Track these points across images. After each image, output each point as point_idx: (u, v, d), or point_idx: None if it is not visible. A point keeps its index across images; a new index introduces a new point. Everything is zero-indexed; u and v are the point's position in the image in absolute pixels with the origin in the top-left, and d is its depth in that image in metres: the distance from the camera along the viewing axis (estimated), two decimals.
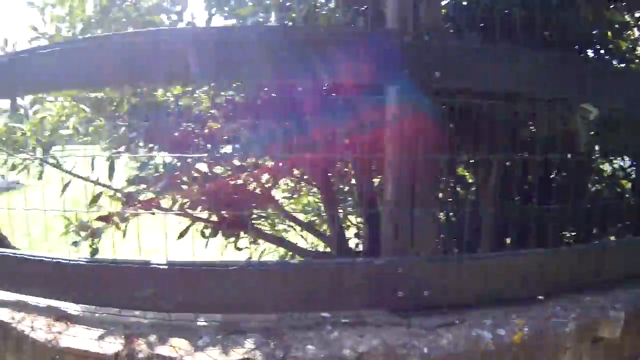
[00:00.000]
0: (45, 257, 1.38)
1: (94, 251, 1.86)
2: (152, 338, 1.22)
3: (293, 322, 1.24)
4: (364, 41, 1.19)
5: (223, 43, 1.18)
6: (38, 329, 1.28)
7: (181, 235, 1.92)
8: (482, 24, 1.49)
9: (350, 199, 2.15)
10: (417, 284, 1.17)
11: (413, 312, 1.17)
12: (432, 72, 1.14)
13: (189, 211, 1.93)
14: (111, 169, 1.82)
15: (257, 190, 1.97)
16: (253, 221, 2.18)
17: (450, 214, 1.85)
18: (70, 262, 1.34)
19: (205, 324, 1.29)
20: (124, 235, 1.83)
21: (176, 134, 1.80)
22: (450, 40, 1.19)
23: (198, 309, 1.30)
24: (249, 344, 1.17)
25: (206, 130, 1.86)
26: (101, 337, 1.23)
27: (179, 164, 1.82)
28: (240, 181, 1.89)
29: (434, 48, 1.15)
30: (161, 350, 1.17)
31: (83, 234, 1.83)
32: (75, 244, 1.83)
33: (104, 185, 1.91)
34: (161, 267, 1.29)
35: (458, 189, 1.90)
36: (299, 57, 1.16)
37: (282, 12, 1.69)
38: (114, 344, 1.20)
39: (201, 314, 1.31)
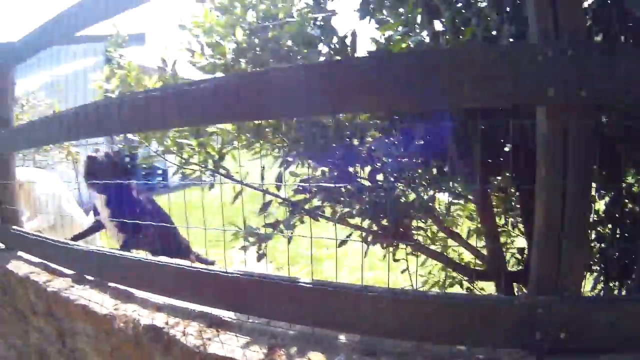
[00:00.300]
0: (203, 269, 1.56)
1: (260, 256, 2.00)
2: (293, 350, 1.30)
3: (427, 352, 1.23)
4: (505, 60, 1.11)
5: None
6: (189, 334, 1.44)
7: (341, 243, 1.98)
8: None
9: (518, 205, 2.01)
10: (555, 325, 1.09)
11: (549, 355, 1.08)
12: (579, 90, 1.02)
13: (350, 220, 1.99)
14: (279, 180, 1.97)
15: (415, 202, 1.96)
16: (413, 232, 2.17)
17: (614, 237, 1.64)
18: (228, 274, 1.50)
19: (345, 341, 1.34)
20: (289, 242, 1.93)
21: (334, 145, 1.87)
22: (596, 52, 1.06)
23: (336, 327, 1.35)
24: None
25: (369, 139, 1.91)
26: (246, 346, 1.35)
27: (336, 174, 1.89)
28: (398, 192, 1.91)
29: (576, 63, 1.03)
30: None
31: (251, 239, 1.99)
32: (243, 248, 1.99)
33: (272, 194, 2.04)
34: (306, 285, 1.37)
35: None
36: (434, 81, 1.14)
37: (431, 24, 1.66)
38: (257, 353, 1.31)
39: (341, 332, 1.37)
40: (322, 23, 1.80)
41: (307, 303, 1.36)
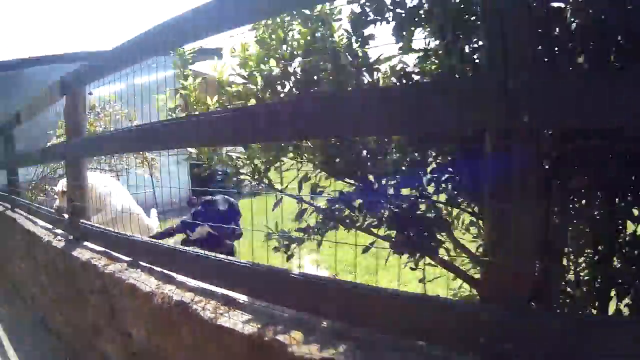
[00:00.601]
0: (225, 260, 1.88)
1: (289, 256, 2.20)
2: (279, 328, 1.55)
3: (388, 342, 1.40)
4: (454, 89, 1.23)
5: None
6: (207, 309, 1.75)
7: (364, 250, 2.15)
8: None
9: None
10: (500, 333, 1.17)
11: None
12: (521, 115, 1.10)
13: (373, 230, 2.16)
14: (313, 190, 2.19)
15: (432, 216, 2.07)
16: (434, 245, 2.26)
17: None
18: (240, 263, 1.79)
19: (325, 325, 1.55)
20: (318, 246, 2.14)
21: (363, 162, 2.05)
22: (541, 78, 1.14)
23: (318, 312, 1.58)
24: (341, 348, 1.39)
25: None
26: (247, 322, 1.62)
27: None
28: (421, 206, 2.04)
29: (519, 89, 1.09)
30: (280, 337, 1.49)
31: (283, 241, 2.20)
32: (276, 249, 2.20)
33: (308, 203, 2.22)
34: (297, 277, 1.63)
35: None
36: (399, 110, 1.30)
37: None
38: (252, 327, 1.58)
39: (324, 318, 1.58)
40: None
41: (299, 291, 1.61)
